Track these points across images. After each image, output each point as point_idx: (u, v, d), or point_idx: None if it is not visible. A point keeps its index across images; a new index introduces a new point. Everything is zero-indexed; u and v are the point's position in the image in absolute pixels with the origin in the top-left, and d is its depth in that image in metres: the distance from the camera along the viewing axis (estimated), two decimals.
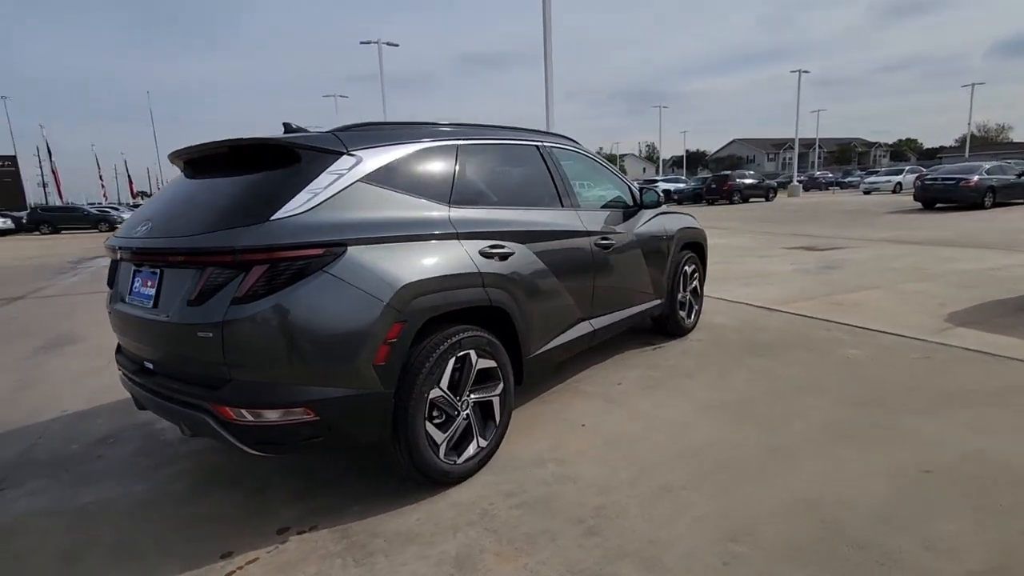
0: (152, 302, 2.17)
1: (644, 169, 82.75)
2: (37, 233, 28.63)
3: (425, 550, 2.02)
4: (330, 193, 2.11)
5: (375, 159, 2.30)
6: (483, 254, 2.52)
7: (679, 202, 28.79)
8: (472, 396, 2.51)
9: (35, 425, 3.28)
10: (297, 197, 2.04)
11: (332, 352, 1.99)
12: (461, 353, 2.40)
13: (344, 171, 2.19)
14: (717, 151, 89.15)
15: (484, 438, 2.57)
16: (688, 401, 3.24)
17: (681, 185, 30.54)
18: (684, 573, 1.83)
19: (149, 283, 2.21)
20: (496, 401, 2.62)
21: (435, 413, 2.36)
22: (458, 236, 2.45)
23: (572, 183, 3.43)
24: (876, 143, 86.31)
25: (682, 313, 4.44)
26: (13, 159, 46.00)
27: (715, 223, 15.49)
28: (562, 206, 3.21)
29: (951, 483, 2.27)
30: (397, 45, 24.78)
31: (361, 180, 2.22)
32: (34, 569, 2.03)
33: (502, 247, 2.64)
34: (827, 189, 40.30)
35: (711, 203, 26.94)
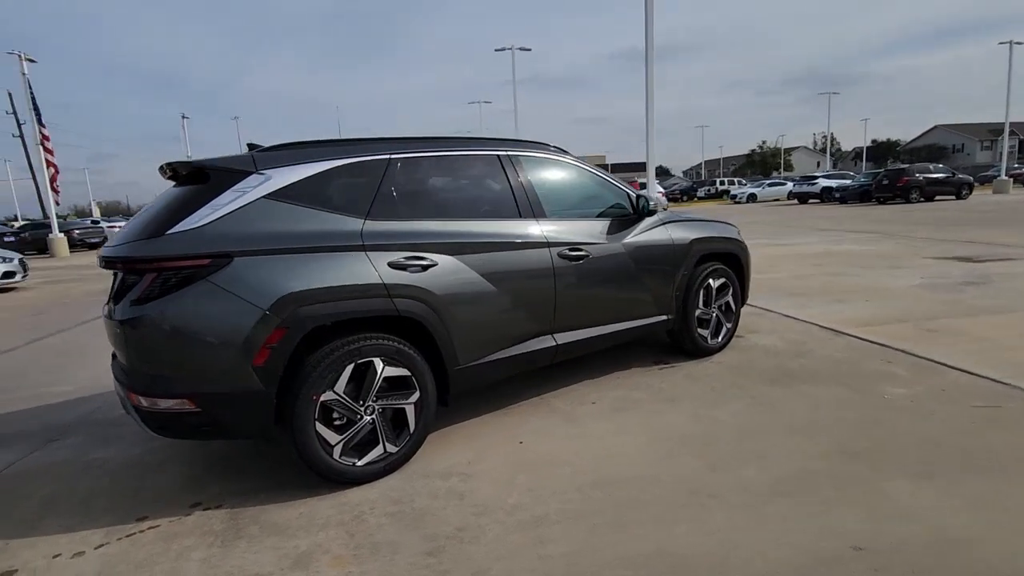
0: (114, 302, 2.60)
1: (818, 164, 74.22)
2: None
3: (282, 542, 2.17)
4: (230, 209, 2.35)
5: (284, 177, 2.50)
6: (394, 265, 2.59)
7: (843, 201, 25.34)
8: (379, 402, 2.59)
9: (104, 394, 4.07)
10: (198, 212, 2.32)
11: (210, 352, 2.23)
12: (362, 360, 2.50)
13: (249, 188, 2.42)
14: (913, 140, 76.50)
15: (394, 444, 2.64)
16: (649, 429, 2.97)
17: (847, 182, 26.77)
18: None
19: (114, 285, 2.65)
20: (410, 409, 2.68)
21: (335, 415, 2.49)
22: (365, 248, 2.55)
23: (547, 192, 3.33)
24: None
25: (702, 331, 4.03)
26: None
27: (862, 227, 13.47)
28: (519, 216, 3.13)
29: (877, 570, 1.82)
30: (529, 49, 25.43)
31: (266, 196, 2.43)
32: (22, 508, 2.57)
33: (422, 259, 2.68)
34: None
35: (882, 202, 23.27)
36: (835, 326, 4.64)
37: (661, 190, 21.03)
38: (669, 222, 3.86)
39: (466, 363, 2.86)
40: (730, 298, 4.21)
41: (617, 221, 3.57)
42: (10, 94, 33.66)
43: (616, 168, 67.88)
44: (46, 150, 19.61)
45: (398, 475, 2.65)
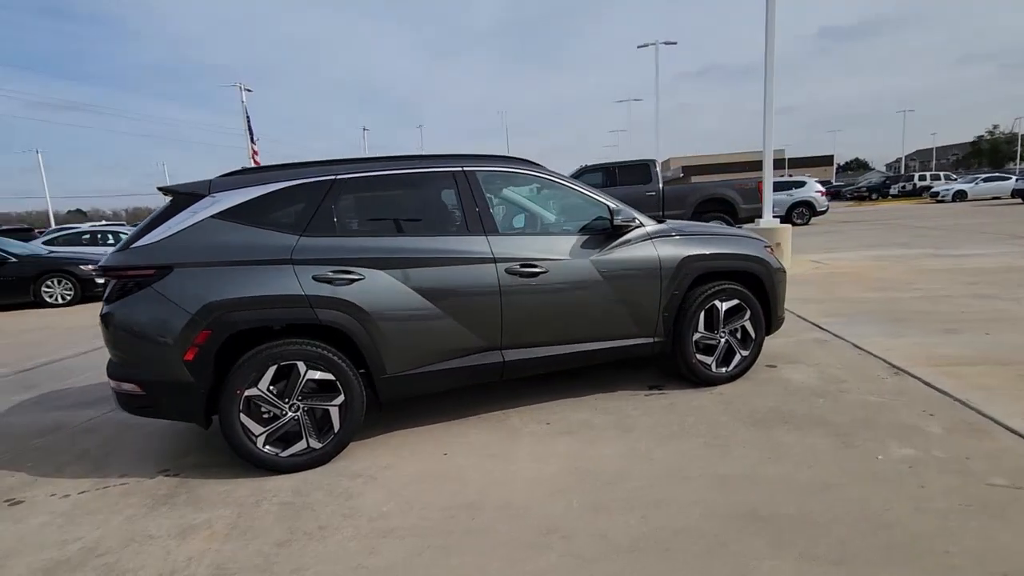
0: None
1: None
2: None
3: (189, 513, 2.55)
4: (182, 227, 2.80)
5: (231, 199, 2.88)
6: (319, 279, 2.83)
7: None
8: (304, 401, 2.87)
9: None
10: (157, 230, 2.80)
11: (150, 347, 2.69)
12: (285, 362, 2.80)
13: (201, 210, 2.84)
14: None
15: (318, 440, 2.90)
16: (570, 459, 2.82)
17: None
18: None
19: None
20: (334, 411, 2.91)
21: (262, 409, 2.83)
22: (293, 263, 2.83)
23: (505, 208, 3.32)
24: None
25: (703, 358, 3.63)
26: None
27: None
28: (466, 232, 3.17)
29: None
30: (675, 43, 24.01)
31: (213, 216, 2.84)
32: (64, 456, 3.34)
33: (350, 272, 2.89)
34: None
35: None
36: (904, 363, 3.82)
37: (820, 189, 18.53)
38: (660, 236, 3.55)
39: (395, 372, 3.00)
40: (747, 323, 3.72)
41: (591, 236, 3.40)
42: (247, 117, 41.05)
43: (795, 163, 61.14)
44: (255, 163, 23.87)
45: (322, 469, 2.90)
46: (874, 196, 37.93)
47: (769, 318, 3.83)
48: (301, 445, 2.87)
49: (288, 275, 2.81)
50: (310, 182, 3.02)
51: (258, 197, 2.93)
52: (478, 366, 3.17)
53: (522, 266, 3.19)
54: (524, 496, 2.50)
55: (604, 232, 3.42)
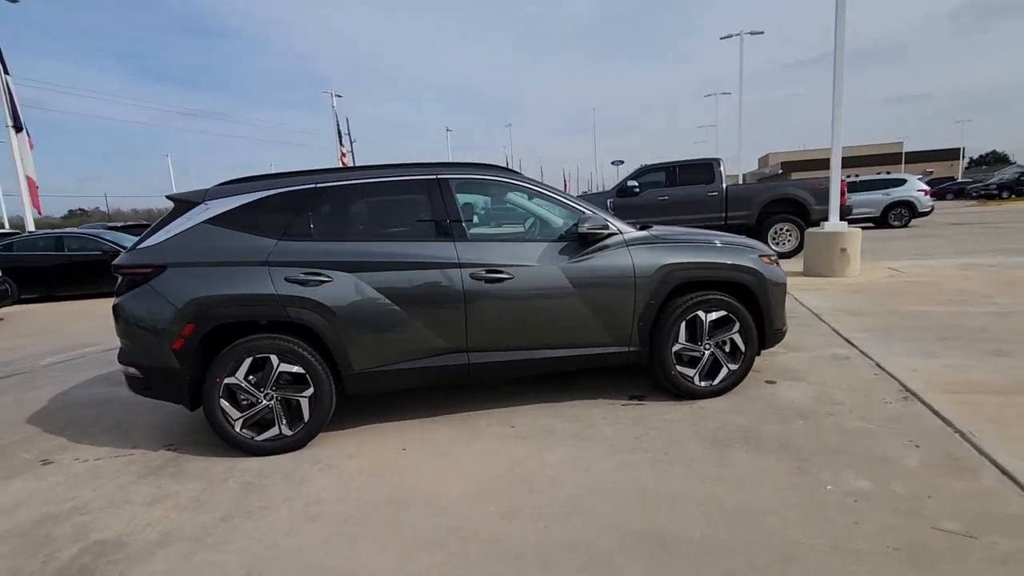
0: None
1: None
2: None
3: (167, 484, 2.89)
4: (178, 231, 3.16)
5: (221, 206, 3.21)
6: (291, 280, 3.08)
7: None
8: (278, 392, 3.14)
9: None
10: (159, 233, 3.18)
11: (146, 335, 3.07)
12: (260, 355, 3.08)
13: (195, 216, 3.19)
14: None
15: (290, 428, 3.16)
16: (513, 463, 2.87)
17: None
18: None
19: None
20: (304, 402, 3.16)
21: (240, 396, 3.13)
22: (269, 264, 3.10)
23: (477, 214, 3.40)
24: None
25: (684, 370, 3.51)
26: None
27: None
28: (435, 238, 3.29)
29: None
30: (762, 32, 22.40)
31: (205, 222, 3.18)
32: (99, 426, 3.87)
33: (319, 275, 3.11)
34: None
35: None
36: (921, 386, 3.46)
37: (923, 187, 16.66)
38: (639, 244, 3.47)
39: (362, 369, 3.20)
40: (736, 335, 3.54)
41: (564, 243, 3.40)
42: (338, 121, 43.80)
43: (915, 158, 55.38)
44: (343, 164, 25.49)
45: (293, 454, 3.15)
46: (1005, 194, 33.49)
47: (763, 332, 3.62)
48: (274, 431, 3.15)
49: (263, 276, 3.08)
50: (292, 190, 3.28)
51: (244, 204, 3.23)
52: (443, 367, 3.29)
53: (487, 272, 3.26)
54: (453, 495, 2.59)
55: (577, 239, 3.41)
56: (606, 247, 3.42)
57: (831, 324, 5.22)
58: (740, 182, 24.54)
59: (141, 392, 3.25)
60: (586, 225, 3.31)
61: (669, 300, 3.47)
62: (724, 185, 10.98)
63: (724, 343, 3.57)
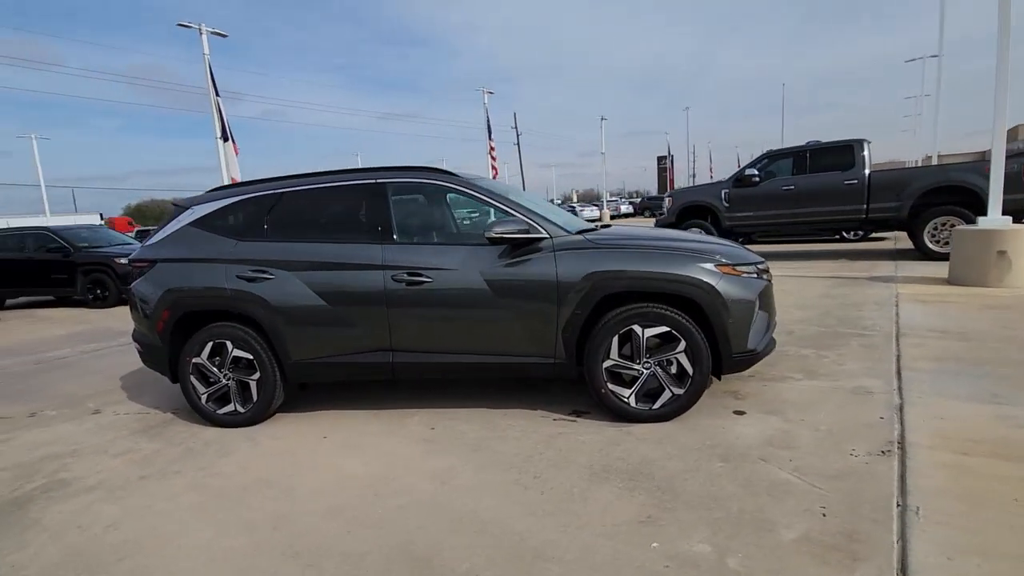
0: None
1: None
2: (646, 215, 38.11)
3: (141, 441, 3.51)
4: (169, 233, 3.76)
5: (201, 210, 3.73)
6: (241, 276, 3.48)
7: None
8: (233, 373, 3.59)
9: None
10: (159, 233, 3.82)
11: (142, 318, 3.71)
12: (217, 340, 3.55)
13: (184, 219, 3.76)
14: None
15: (242, 406, 3.60)
16: (390, 465, 2.93)
17: None
18: None
19: None
20: (253, 385, 3.56)
21: (207, 374, 3.64)
22: (225, 262, 3.53)
23: (410, 218, 3.49)
24: None
25: (616, 389, 3.16)
26: (672, 158, 62.50)
27: None
28: (367, 240, 3.43)
29: None
30: None
31: (188, 224, 3.73)
32: (129, 391, 4.76)
33: (263, 272, 3.47)
34: None
35: None
36: (922, 439, 2.68)
37: None
38: (568, 249, 3.20)
39: (298, 359, 3.50)
40: (681, 355, 3.09)
41: (490, 247, 3.29)
42: (515, 115, 45.72)
43: None
44: (492, 158, 26.66)
45: (247, 428, 3.59)
46: None
47: (719, 351, 3.10)
48: (230, 407, 3.61)
49: (219, 272, 3.54)
50: (254, 196, 3.69)
51: (217, 209, 3.72)
52: (370, 363, 3.45)
53: (408, 274, 3.32)
54: (310, 487, 2.74)
55: (513, 243, 3.26)
56: (531, 252, 3.23)
57: (903, 349, 4.20)
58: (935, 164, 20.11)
59: (145, 363, 3.96)
60: (493, 231, 3.16)
61: (601, 311, 3.16)
62: (866, 171, 9.24)
63: (669, 363, 3.14)
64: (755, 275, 3.26)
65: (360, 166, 3.77)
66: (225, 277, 3.52)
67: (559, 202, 55.36)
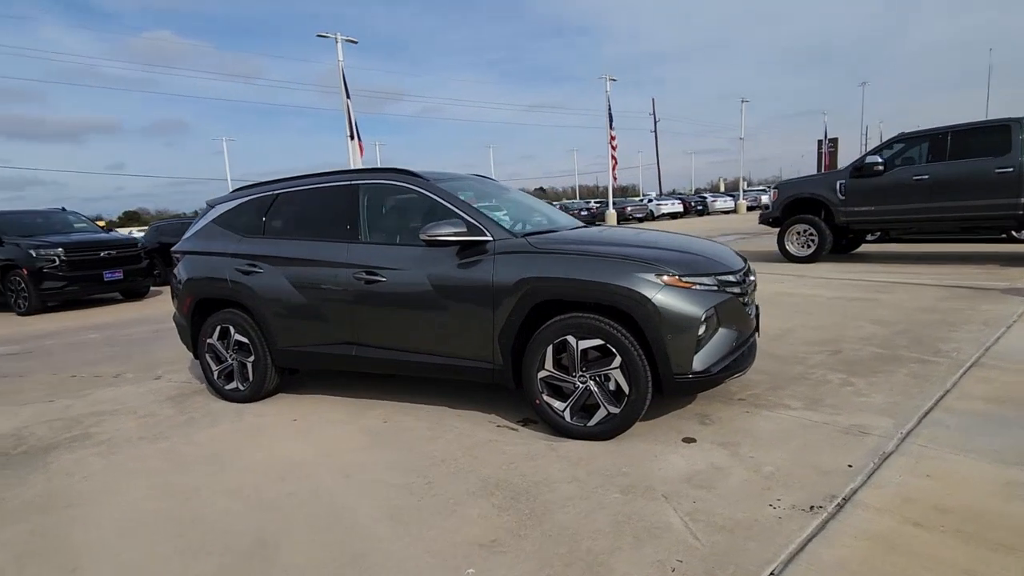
0: None
1: None
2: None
3: (164, 408, 4.09)
4: (197, 228, 4.30)
5: (220, 209, 4.21)
6: (239, 269, 3.89)
7: None
8: (236, 355, 4.03)
9: None
10: (191, 229, 4.38)
11: (176, 300, 4.31)
12: (224, 325, 4.02)
13: (208, 216, 4.28)
14: None
15: (242, 385, 4.03)
16: (321, 452, 3.09)
17: None
18: None
19: None
20: (249, 366, 3.97)
21: (218, 354, 4.13)
22: (230, 256, 3.96)
23: (377, 219, 3.63)
24: None
25: (552, 402, 2.99)
26: (835, 141, 55.79)
27: None
28: (337, 239, 3.62)
29: None
30: None
31: (211, 222, 4.23)
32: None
33: (255, 266, 3.84)
34: None
35: None
36: (874, 499, 2.19)
37: None
38: (511, 252, 3.08)
39: (284, 347, 3.82)
40: (617, 372, 2.84)
41: (441, 249, 3.29)
42: (652, 100, 44.11)
43: None
44: (612, 148, 26.01)
45: (247, 405, 4.01)
46: None
47: (658, 372, 2.79)
48: (234, 385, 4.06)
49: (224, 264, 3.98)
50: (262, 196, 4.08)
51: (231, 208, 4.18)
52: (337, 355, 3.66)
53: (367, 273, 3.45)
54: (237, 466, 3.00)
55: (461, 246, 3.24)
56: (476, 254, 3.18)
57: (962, 383, 3.42)
58: None
59: (181, 340, 4.58)
60: (428, 232, 3.14)
61: (537, 318, 3.02)
62: (1023, 158, 7.47)
63: (606, 379, 2.91)
64: (714, 288, 2.87)
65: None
66: (226, 269, 3.95)
67: (707, 193, 51.78)
